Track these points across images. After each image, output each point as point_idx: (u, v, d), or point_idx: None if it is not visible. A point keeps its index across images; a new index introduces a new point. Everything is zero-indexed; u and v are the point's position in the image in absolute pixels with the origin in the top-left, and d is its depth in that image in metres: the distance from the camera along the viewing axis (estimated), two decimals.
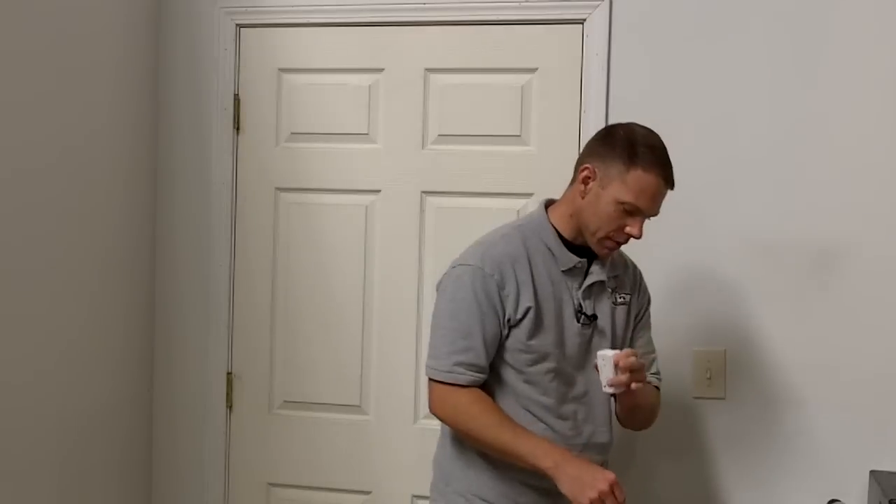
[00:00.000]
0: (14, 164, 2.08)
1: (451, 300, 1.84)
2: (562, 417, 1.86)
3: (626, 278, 1.97)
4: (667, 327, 2.39)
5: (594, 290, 1.89)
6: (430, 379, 1.85)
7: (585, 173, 1.83)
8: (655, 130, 2.40)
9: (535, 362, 1.84)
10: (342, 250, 2.58)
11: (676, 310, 2.39)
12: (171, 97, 2.66)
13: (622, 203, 1.78)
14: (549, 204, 1.94)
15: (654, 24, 2.39)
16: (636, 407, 1.93)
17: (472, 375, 1.81)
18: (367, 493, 2.58)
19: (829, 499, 2.30)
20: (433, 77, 2.53)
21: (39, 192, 2.18)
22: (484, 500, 1.86)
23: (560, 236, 1.87)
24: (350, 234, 2.58)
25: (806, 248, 2.33)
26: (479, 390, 1.82)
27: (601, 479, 1.67)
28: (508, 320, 1.82)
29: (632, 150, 1.78)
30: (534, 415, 1.84)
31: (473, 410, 1.80)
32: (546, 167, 2.46)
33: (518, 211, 2.46)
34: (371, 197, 2.57)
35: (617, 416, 1.97)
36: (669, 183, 1.80)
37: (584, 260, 1.87)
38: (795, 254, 2.33)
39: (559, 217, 1.89)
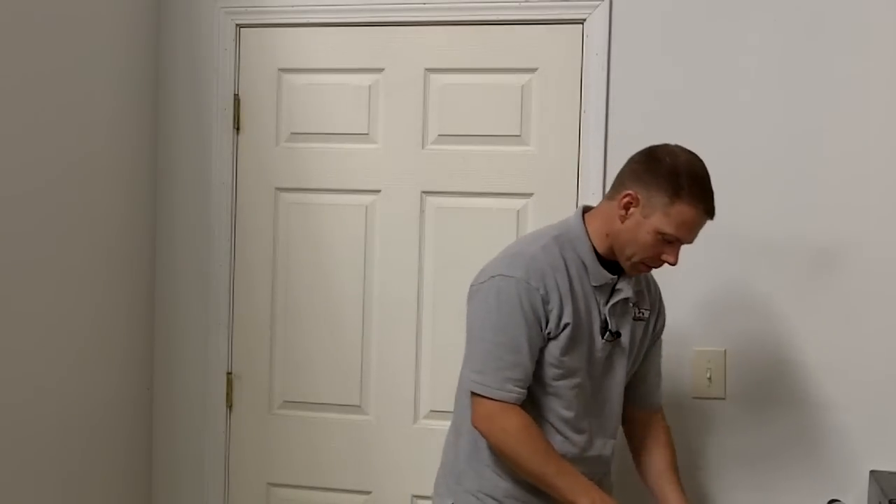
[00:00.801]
0: (14, 165, 2.08)
1: (497, 313, 1.79)
2: (579, 431, 1.86)
3: (647, 294, 1.98)
4: (667, 327, 2.39)
5: (619, 307, 1.88)
6: (478, 394, 1.81)
7: (627, 199, 1.79)
8: (656, 131, 2.41)
9: (564, 377, 1.83)
10: (342, 250, 2.58)
11: (676, 310, 2.38)
12: (171, 97, 2.66)
13: (662, 234, 1.77)
14: (585, 210, 1.91)
15: (654, 24, 2.39)
16: None
17: (521, 392, 1.79)
18: (368, 493, 2.58)
19: (829, 499, 2.30)
20: (433, 77, 2.52)
21: (39, 192, 2.18)
22: (493, 499, 1.86)
23: (594, 250, 1.85)
24: (350, 234, 2.58)
25: (806, 248, 2.33)
26: (527, 415, 1.79)
27: None
28: (548, 334, 1.80)
29: (677, 182, 1.75)
30: (553, 426, 1.84)
31: (523, 436, 1.78)
32: (546, 167, 2.46)
33: (518, 211, 2.47)
34: (371, 197, 2.57)
35: (636, 462, 2.03)
36: (711, 215, 1.79)
37: (616, 276, 1.86)
38: (795, 254, 2.33)
39: (595, 232, 1.86)
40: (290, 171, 2.62)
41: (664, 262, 1.81)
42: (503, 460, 1.83)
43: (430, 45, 2.52)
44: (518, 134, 2.48)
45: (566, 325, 1.80)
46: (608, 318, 1.86)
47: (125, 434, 2.58)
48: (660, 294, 2.05)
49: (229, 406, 2.66)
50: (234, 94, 2.62)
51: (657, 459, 2.00)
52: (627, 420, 2.03)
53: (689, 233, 1.79)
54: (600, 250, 1.85)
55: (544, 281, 1.79)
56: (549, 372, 1.82)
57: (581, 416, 1.86)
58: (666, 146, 1.85)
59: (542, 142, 2.48)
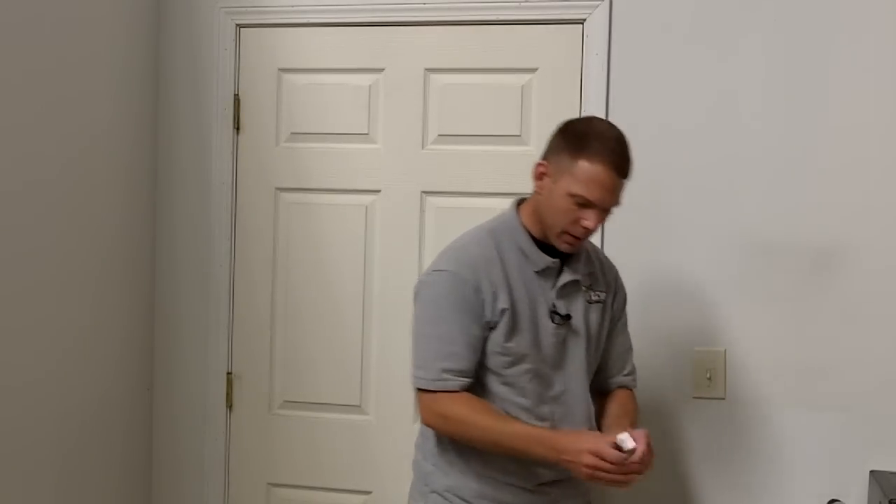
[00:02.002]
0: (14, 165, 2.08)
1: (430, 307, 1.83)
2: (540, 418, 1.85)
3: (600, 276, 1.96)
4: (667, 327, 2.39)
5: (568, 290, 1.88)
6: (419, 389, 1.83)
7: (540, 169, 1.83)
8: (655, 130, 2.41)
9: (513, 364, 1.83)
10: (342, 250, 2.58)
11: (676, 310, 2.39)
12: (171, 97, 2.66)
13: (573, 195, 1.76)
14: (520, 202, 1.93)
15: (654, 24, 2.39)
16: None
17: (459, 380, 1.79)
18: (368, 493, 2.58)
19: (829, 499, 2.31)
20: (433, 77, 2.53)
21: (39, 192, 2.18)
22: (462, 500, 1.86)
23: (532, 237, 1.87)
24: (350, 234, 2.58)
25: (806, 248, 2.33)
26: (467, 393, 1.80)
27: (584, 456, 1.67)
28: (487, 323, 1.82)
29: (580, 141, 1.77)
30: (514, 416, 1.84)
31: (463, 412, 1.78)
32: None
33: None
34: (371, 197, 2.57)
35: (598, 427, 1.96)
36: (620, 172, 1.77)
37: (557, 260, 1.86)
38: (795, 254, 2.33)
39: (527, 217, 1.88)
40: (290, 171, 2.62)
41: (585, 228, 1.78)
42: (461, 444, 1.84)
43: (430, 45, 2.52)
44: (518, 134, 2.48)
45: (503, 311, 1.81)
46: (555, 302, 1.86)
47: (125, 434, 2.58)
48: (616, 274, 2.03)
49: (229, 406, 2.66)
50: (234, 94, 2.62)
51: (612, 410, 1.96)
52: (596, 403, 1.99)
53: (599, 191, 1.75)
54: (538, 234, 1.86)
55: (475, 271, 1.80)
56: (498, 360, 1.83)
57: (539, 403, 1.85)
58: (581, 117, 1.86)
59: (542, 142, 2.42)
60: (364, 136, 2.57)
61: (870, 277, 2.30)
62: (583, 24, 2.42)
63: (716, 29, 2.36)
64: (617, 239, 2.40)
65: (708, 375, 2.38)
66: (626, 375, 2.02)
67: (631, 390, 2.03)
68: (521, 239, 1.86)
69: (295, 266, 2.62)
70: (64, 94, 2.26)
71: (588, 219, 1.77)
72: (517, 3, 2.44)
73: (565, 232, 1.80)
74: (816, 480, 2.32)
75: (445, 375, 1.79)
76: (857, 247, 2.30)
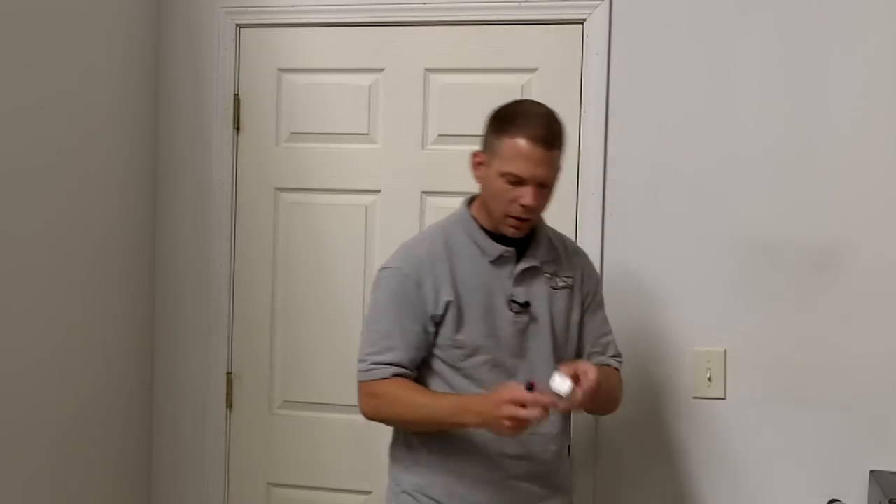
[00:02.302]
0: (14, 165, 2.08)
1: (374, 304, 1.88)
2: None
3: (566, 262, 1.96)
4: (667, 327, 2.39)
5: (528, 278, 1.88)
6: (359, 382, 1.87)
7: (476, 159, 1.88)
8: (655, 130, 2.41)
9: (468, 356, 1.84)
10: (342, 250, 2.58)
11: (676, 310, 2.39)
12: (171, 97, 2.66)
13: (504, 174, 1.79)
14: (472, 200, 1.95)
15: (654, 24, 2.39)
16: (599, 399, 1.87)
17: (391, 369, 1.82)
18: (368, 493, 2.58)
19: (829, 499, 2.30)
20: (433, 77, 2.53)
21: (38, 191, 2.18)
22: (431, 499, 1.86)
23: (485, 229, 1.88)
24: (350, 234, 2.58)
25: (806, 248, 2.33)
26: (397, 378, 1.82)
27: (501, 408, 1.65)
28: (432, 318, 1.83)
29: (503, 122, 1.81)
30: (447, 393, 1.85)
31: (394, 394, 1.81)
32: None
33: None
34: (371, 197, 2.57)
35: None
36: (544, 144, 1.78)
37: (512, 249, 1.87)
38: (795, 254, 2.33)
39: (478, 210, 1.91)
40: (290, 171, 2.62)
41: (523, 206, 1.79)
42: (429, 443, 1.85)
43: (430, 45, 2.52)
44: None
45: (448, 304, 1.82)
46: (513, 290, 1.86)
47: (125, 434, 2.58)
48: (586, 259, 2.03)
49: (229, 406, 2.66)
50: (234, 94, 2.62)
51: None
52: None
53: (526, 165, 1.77)
54: (489, 227, 1.88)
55: (418, 267, 1.84)
56: (452, 353, 1.84)
57: None
58: (510, 101, 1.90)
59: None
60: (364, 136, 2.57)
61: (870, 277, 2.30)
62: (583, 24, 2.42)
63: (715, 29, 2.36)
64: (617, 239, 2.41)
65: (708, 375, 2.38)
66: (610, 357, 1.98)
67: (616, 370, 1.99)
68: (472, 231, 1.88)
69: (295, 266, 2.62)
70: (64, 94, 2.26)
71: (524, 196, 1.79)
72: (517, 3, 2.44)
73: (507, 215, 1.82)
74: (816, 480, 2.32)
75: (376, 367, 1.82)
76: (857, 247, 2.30)
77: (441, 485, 1.86)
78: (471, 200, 1.94)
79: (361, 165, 2.57)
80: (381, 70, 2.55)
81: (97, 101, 2.40)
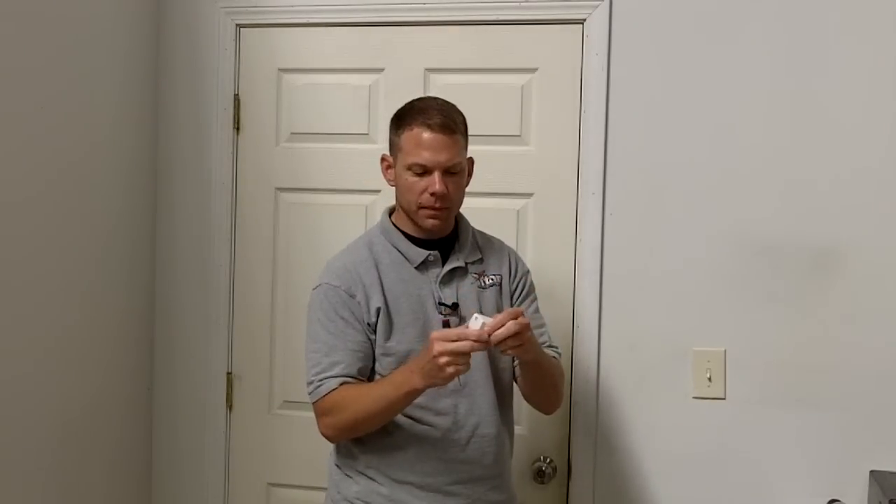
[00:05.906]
0: (14, 165, 2.08)
1: (310, 324, 1.87)
2: (440, 413, 1.84)
3: (492, 260, 1.97)
4: (667, 327, 2.39)
5: (454, 279, 1.89)
6: (313, 405, 1.85)
7: (384, 163, 1.93)
8: (655, 130, 2.41)
9: (399, 363, 1.82)
10: None
11: (676, 310, 2.39)
12: (171, 97, 2.66)
13: (409, 167, 1.82)
14: (392, 210, 1.97)
15: (654, 24, 2.39)
16: (536, 380, 1.91)
17: (339, 379, 1.80)
18: None
19: (829, 499, 2.31)
20: (433, 77, 2.52)
21: (38, 191, 2.17)
22: None
23: (406, 235, 1.90)
24: (350, 234, 2.54)
25: (806, 248, 2.33)
26: (345, 384, 1.80)
27: (434, 350, 1.64)
28: (369, 325, 1.84)
29: (400, 118, 1.87)
30: (411, 417, 1.84)
31: (347, 398, 1.78)
32: (546, 167, 2.46)
33: (518, 211, 2.47)
34: (371, 197, 2.57)
35: (523, 396, 1.96)
36: (441, 129, 1.81)
37: (435, 252, 1.88)
38: (795, 254, 2.34)
39: (398, 217, 1.93)
40: (290, 171, 2.62)
41: (433, 194, 1.81)
42: (368, 450, 1.85)
43: (430, 45, 2.52)
44: (518, 134, 2.48)
45: (378, 310, 1.83)
46: (440, 293, 1.87)
47: (125, 434, 2.58)
48: (512, 254, 2.03)
49: (229, 406, 2.66)
50: (234, 94, 2.62)
51: None
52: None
53: (427, 152, 1.81)
54: (412, 231, 1.90)
55: (346, 278, 1.85)
56: (384, 362, 1.84)
57: (438, 397, 1.83)
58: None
59: (542, 142, 2.48)
60: (364, 136, 2.57)
61: (870, 277, 2.30)
62: (583, 24, 2.42)
63: (716, 29, 2.36)
64: (617, 239, 2.41)
65: (708, 375, 2.38)
66: (547, 347, 1.97)
67: (555, 360, 1.97)
68: (394, 238, 1.90)
69: (295, 266, 2.62)
70: (64, 95, 2.25)
71: (432, 184, 1.81)
72: (517, 3, 2.44)
73: (420, 206, 1.84)
74: (816, 480, 2.32)
75: (323, 381, 1.81)
76: (857, 247, 2.30)
77: (382, 493, 1.85)
78: (392, 211, 1.97)
79: (361, 165, 2.56)
80: (381, 70, 2.55)
81: (97, 101, 2.40)
